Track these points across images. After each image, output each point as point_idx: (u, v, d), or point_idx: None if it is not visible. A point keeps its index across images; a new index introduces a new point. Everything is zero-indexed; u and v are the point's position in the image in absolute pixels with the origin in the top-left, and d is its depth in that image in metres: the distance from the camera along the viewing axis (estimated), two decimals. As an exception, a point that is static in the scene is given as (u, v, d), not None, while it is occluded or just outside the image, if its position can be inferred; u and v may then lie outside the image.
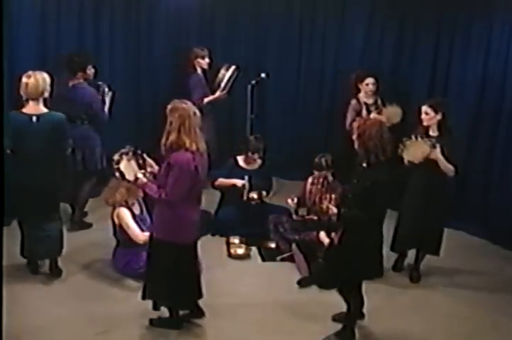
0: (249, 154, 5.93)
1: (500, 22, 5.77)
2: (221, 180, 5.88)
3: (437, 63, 6.35)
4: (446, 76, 6.27)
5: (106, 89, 5.79)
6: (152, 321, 4.34)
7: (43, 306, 4.51)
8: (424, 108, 4.82)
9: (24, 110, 4.55)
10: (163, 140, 3.92)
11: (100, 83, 5.82)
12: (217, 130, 6.62)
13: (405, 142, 4.74)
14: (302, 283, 5.01)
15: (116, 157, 4.18)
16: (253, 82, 6.66)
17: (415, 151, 4.73)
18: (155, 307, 4.32)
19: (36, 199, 4.69)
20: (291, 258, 5.37)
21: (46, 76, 4.57)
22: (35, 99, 4.52)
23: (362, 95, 6.15)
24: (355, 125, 4.07)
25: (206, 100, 6.44)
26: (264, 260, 5.46)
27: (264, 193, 5.93)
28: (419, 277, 5.14)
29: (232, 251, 5.46)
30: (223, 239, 5.65)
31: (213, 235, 5.80)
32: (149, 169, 4.25)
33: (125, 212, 4.87)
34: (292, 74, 7.28)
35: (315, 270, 5.06)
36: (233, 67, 6.53)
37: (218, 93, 6.53)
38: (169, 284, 4.14)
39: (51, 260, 4.92)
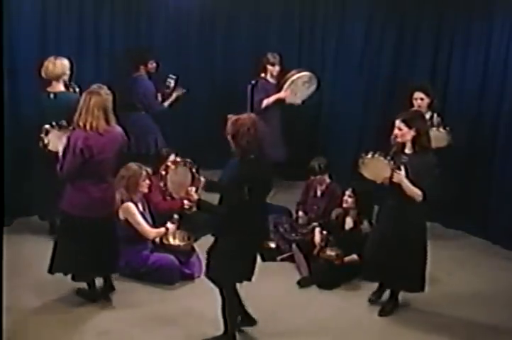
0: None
1: (500, 22, 5.78)
2: None
3: (437, 63, 6.36)
4: (446, 76, 6.28)
5: (172, 82, 6.34)
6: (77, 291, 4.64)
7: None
8: (397, 123, 4.29)
9: (48, 89, 5.31)
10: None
11: (171, 76, 6.38)
12: (282, 133, 6.72)
13: (363, 158, 4.35)
14: (302, 283, 5.01)
15: (47, 127, 4.57)
16: (253, 82, 6.65)
17: (373, 169, 4.31)
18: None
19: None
20: (291, 258, 5.38)
21: (64, 61, 5.30)
22: (56, 80, 5.27)
23: None
24: (228, 124, 3.83)
25: (264, 102, 6.50)
26: (264, 260, 5.45)
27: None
28: (390, 311, 4.61)
29: (232, 251, 5.46)
30: (223, 239, 5.65)
31: (213, 235, 5.78)
32: None
33: (132, 207, 4.86)
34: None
35: (315, 270, 5.07)
36: (304, 73, 6.50)
37: (277, 95, 6.53)
38: (75, 255, 4.35)
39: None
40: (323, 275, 4.99)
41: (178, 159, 4.50)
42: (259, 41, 7.30)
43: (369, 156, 4.31)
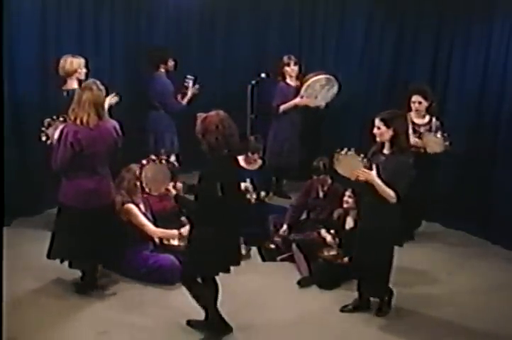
0: (249, 154, 5.93)
1: (500, 22, 5.78)
2: None
3: (437, 63, 6.36)
4: (446, 76, 6.28)
5: (191, 83, 6.48)
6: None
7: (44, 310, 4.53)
8: (376, 121, 4.21)
9: (63, 87, 5.46)
10: None
11: (188, 76, 6.50)
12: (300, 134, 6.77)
13: (337, 154, 4.35)
14: (302, 283, 5.01)
15: (48, 120, 4.71)
16: (253, 82, 6.66)
17: (346, 166, 4.28)
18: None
19: None
20: (291, 258, 5.38)
21: (79, 60, 5.46)
22: (69, 77, 5.43)
23: (412, 114, 5.55)
24: (197, 122, 3.86)
25: (281, 107, 6.57)
26: (264, 260, 5.46)
27: (263, 193, 5.93)
28: (386, 311, 4.57)
29: (232, 251, 5.46)
30: (223, 239, 5.65)
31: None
32: None
33: (134, 208, 4.88)
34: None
35: (316, 270, 5.07)
36: (320, 76, 6.51)
37: (294, 101, 6.57)
38: (71, 245, 4.48)
39: None
40: (323, 275, 4.99)
41: (153, 157, 4.58)
42: (260, 39, 7.30)
43: (343, 152, 4.29)
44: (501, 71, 5.78)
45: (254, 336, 4.28)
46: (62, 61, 5.44)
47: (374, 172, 4.14)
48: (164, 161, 4.57)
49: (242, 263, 5.28)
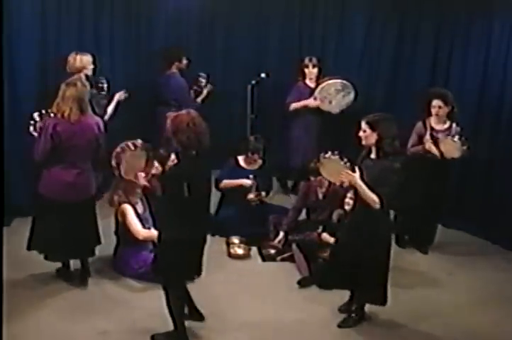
0: (249, 154, 5.93)
1: (500, 22, 5.78)
2: (226, 182, 5.86)
3: (437, 63, 6.36)
4: (446, 76, 6.28)
5: (204, 81, 6.70)
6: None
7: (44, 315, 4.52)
8: (362, 124, 4.05)
9: None
10: None
11: (201, 74, 6.72)
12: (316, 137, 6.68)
13: (321, 158, 4.30)
14: (302, 283, 5.01)
15: (35, 114, 4.71)
16: (253, 82, 6.66)
17: (330, 170, 4.22)
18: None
19: None
20: (291, 258, 5.38)
21: (85, 56, 5.62)
22: (77, 73, 5.48)
23: (432, 119, 5.38)
24: (167, 121, 3.85)
25: (292, 105, 6.56)
26: (264, 260, 5.46)
27: (263, 193, 5.93)
28: (358, 321, 4.45)
29: (232, 251, 5.46)
30: (223, 239, 5.65)
31: (213, 235, 5.77)
32: None
33: (128, 208, 4.88)
34: (292, 74, 7.27)
35: (316, 270, 5.07)
36: (336, 80, 6.48)
37: (306, 101, 6.54)
38: (48, 236, 4.59)
39: None
40: (323, 275, 4.99)
41: (139, 142, 4.55)
42: (260, 41, 7.30)
43: (327, 156, 4.24)
44: (501, 71, 5.78)
45: (254, 336, 4.28)
46: (70, 58, 5.57)
47: (357, 174, 4.00)
48: (146, 149, 4.54)
49: (243, 263, 5.36)
